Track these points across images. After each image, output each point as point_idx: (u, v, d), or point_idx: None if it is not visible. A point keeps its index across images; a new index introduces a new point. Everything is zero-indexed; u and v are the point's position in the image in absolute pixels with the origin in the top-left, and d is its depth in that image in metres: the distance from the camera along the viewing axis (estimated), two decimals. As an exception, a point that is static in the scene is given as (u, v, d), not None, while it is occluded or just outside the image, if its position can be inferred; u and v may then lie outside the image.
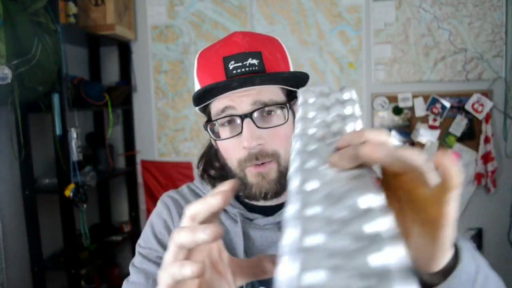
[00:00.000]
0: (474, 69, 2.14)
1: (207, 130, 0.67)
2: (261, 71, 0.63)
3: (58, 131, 1.74)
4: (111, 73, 2.47)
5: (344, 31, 2.24)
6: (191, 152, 2.42)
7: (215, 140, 0.67)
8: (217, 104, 0.64)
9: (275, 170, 0.63)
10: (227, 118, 0.64)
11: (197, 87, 0.67)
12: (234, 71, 0.62)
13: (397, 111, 2.22)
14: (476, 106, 2.13)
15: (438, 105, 2.17)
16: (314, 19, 2.26)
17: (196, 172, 0.87)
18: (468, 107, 2.14)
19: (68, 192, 1.76)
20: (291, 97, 0.69)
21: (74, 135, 1.81)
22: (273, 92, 0.64)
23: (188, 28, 2.36)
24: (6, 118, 1.67)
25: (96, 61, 2.42)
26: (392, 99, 2.21)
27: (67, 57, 1.79)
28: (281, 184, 0.64)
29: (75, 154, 1.81)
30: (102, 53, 2.44)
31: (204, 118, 0.70)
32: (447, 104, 2.16)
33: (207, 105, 0.67)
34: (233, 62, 0.63)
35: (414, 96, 2.19)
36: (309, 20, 2.26)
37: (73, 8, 1.93)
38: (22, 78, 1.51)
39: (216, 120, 0.65)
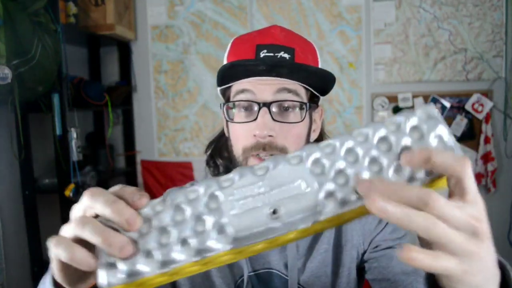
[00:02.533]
0: (474, 69, 2.14)
1: (222, 110, 0.67)
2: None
3: (58, 131, 1.74)
4: (111, 73, 2.46)
5: (344, 31, 2.24)
6: (191, 152, 2.42)
7: (228, 121, 0.66)
8: (238, 86, 0.64)
9: None
10: (245, 103, 0.63)
11: None
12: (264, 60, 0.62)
13: (397, 111, 2.22)
14: (476, 106, 2.13)
15: (438, 105, 2.17)
16: (314, 19, 2.26)
17: (197, 172, 0.86)
18: (468, 107, 2.14)
19: (68, 192, 1.76)
20: (313, 101, 0.68)
21: (74, 135, 1.81)
22: (299, 88, 0.64)
23: (188, 28, 2.36)
24: (6, 118, 1.67)
25: (96, 61, 2.42)
26: (392, 99, 2.21)
27: (67, 57, 1.79)
28: None
29: (75, 154, 1.81)
30: (102, 53, 2.44)
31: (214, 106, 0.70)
32: (447, 104, 2.16)
33: (228, 88, 0.67)
34: (265, 51, 0.62)
35: (414, 96, 2.19)
36: (309, 20, 2.26)
37: (73, 8, 1.92)
38: (22, 78, 1.51)
39: (233, 101, 0.64)
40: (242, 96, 0.63)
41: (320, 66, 0.70)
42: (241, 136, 0.64)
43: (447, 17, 2.14)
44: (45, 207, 1.87)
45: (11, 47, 1.45)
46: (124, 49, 2.41)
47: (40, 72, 1.56)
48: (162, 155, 2.46)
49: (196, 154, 2.41)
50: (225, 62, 0.68)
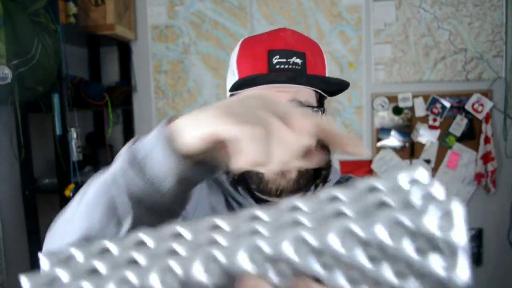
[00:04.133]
0: (474, 69, 2.14)
1: None
2: (303, 72, 0.64)
3: (58, 131, 1.74)
4: (111, 73, 2.46)
5: (344, 31, 2.24)
6: (191, 152, 2.42)
7: None
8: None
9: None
10: None
11: (235, 73, 0.68)
12: (277, 66, 0.64)
13: (397, 111, 2.22)
14: (476, 106, 2.13)
15: (438, 105, 2.17)
16: (314, 19, 2.26)
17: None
18: (468, 107, 2.14)
19: (68, 192, 1.76)
20: (321, 102, 0.70)
21: (74, 135, 1.81)
22: (309, 95, 0.66)
23: (188, 28, 2.36)
24: (6, 118, 1.67)
25: (96, 61, 2.42)
26: (392, 99, 2.21)
27: (67, 57, 1.79)
28: (298, 184, 0.64)
29: (75, 154, 1.81)
30: (102, 53, 2.44)
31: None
32: (447, 104, 2.16)
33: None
34: (277, 56, 0.64)
35: (414, 96, 2.19)
36: (309, 20, 2.26)
37: (73, 8, 1.92)
38: (22, 78, 1.51)
39: None
40: None
41: (326, 65, 0.71)
42: None
43: (447, 17, 2.14)
44: (45, 207, 1.87)
45: (11, 47, 1.45)
46: (124, 49, 2.41)
47: (40, 72, 1.56)
48: (162, 155, 2.46)
49: (196, 154, 2.41)
50: (233, 62, 0.68)
